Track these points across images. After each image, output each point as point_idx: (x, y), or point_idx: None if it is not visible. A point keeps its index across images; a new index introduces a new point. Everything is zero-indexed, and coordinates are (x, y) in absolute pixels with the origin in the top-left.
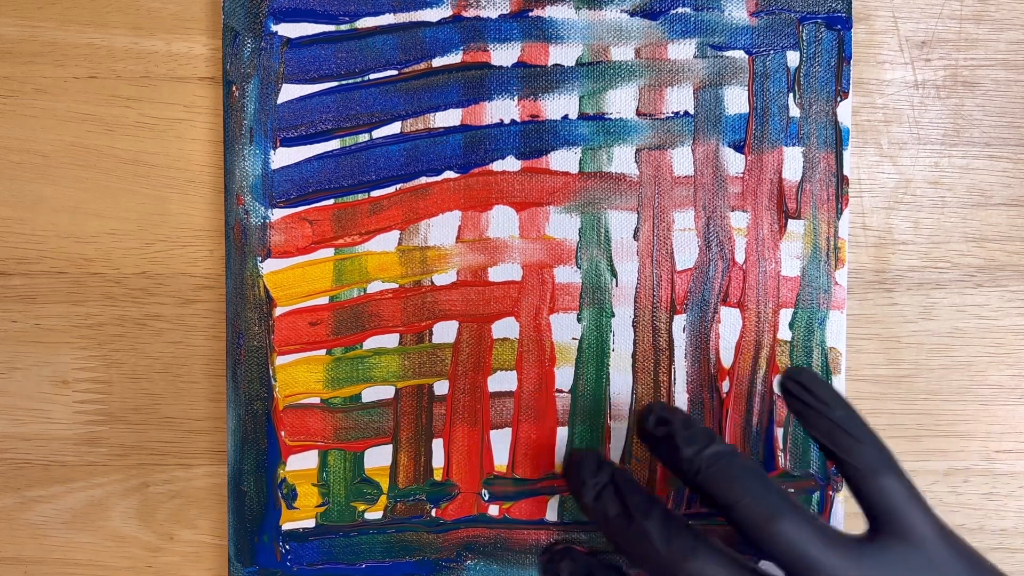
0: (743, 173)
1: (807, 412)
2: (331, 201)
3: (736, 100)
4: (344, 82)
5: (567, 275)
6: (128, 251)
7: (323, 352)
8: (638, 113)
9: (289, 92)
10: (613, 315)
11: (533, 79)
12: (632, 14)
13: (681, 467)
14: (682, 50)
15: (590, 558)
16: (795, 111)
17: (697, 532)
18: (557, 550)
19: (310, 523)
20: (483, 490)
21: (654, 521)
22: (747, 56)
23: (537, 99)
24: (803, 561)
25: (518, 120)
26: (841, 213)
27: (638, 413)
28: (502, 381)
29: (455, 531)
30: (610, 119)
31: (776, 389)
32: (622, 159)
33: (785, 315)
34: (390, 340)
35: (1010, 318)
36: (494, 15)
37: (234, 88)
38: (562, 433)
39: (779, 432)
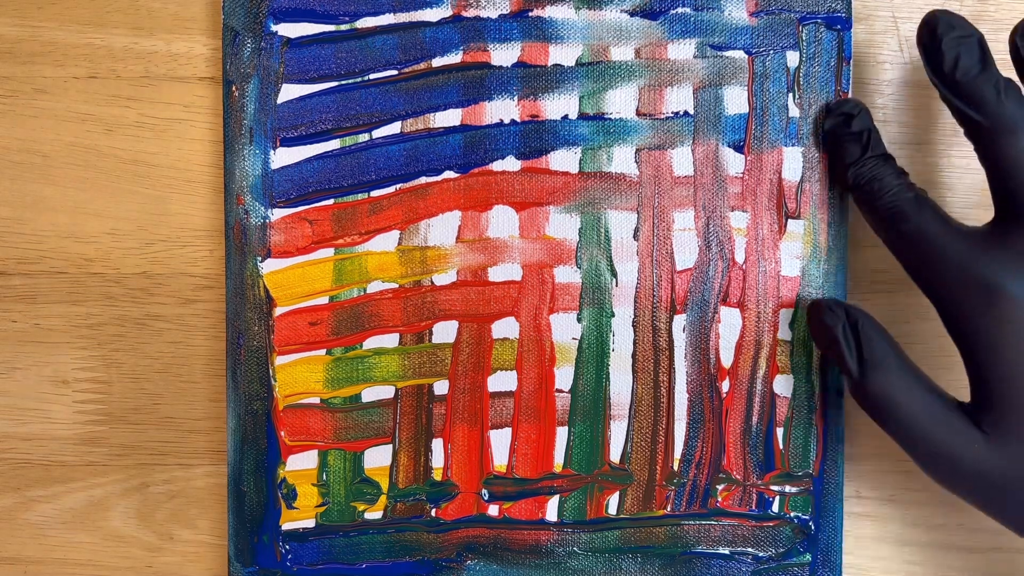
0: (743, 173)
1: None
2: (331, 201)
3: (736, 100)
4: (344, 82)
5: (567, 275)
6: (128, 251)
7: (323, 352)
8: (638, 113)
9: (289, 92)
10: (613, 315)
11: (533, 79)
12: (632, 14)
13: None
14: (682, 50)
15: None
16: (795, 111)
17: None
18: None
19: (310, 523)
20: (483, 490)
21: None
22: (747, 56)
23: (537, 99)
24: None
25: (518, 120)
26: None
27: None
28: (502, 381)
29: (455, 531)
30: (610, 119)
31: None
32: (622, 159)
33: (785, 315)
34: (390, 340)
35: None
36: (494, 15)
37: (234, 88)
38: (562, 433)
39: (779, 432)
